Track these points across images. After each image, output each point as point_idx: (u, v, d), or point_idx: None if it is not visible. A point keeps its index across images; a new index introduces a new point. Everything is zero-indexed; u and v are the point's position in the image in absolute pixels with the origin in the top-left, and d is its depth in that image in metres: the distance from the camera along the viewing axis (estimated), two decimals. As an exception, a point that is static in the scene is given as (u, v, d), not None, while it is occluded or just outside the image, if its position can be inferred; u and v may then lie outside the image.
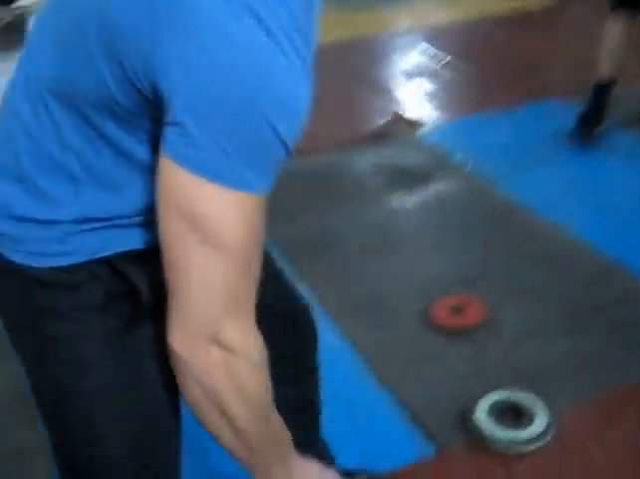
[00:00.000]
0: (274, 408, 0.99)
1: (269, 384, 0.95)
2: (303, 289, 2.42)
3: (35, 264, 0.93)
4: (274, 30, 0.77)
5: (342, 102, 4.04)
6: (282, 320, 1.33)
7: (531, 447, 1.82)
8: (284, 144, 0.80)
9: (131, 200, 0.90)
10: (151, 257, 0.92)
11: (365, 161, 3.37)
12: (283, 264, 2.51)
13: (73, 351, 0.97)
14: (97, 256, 0.94)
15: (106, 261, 0.95)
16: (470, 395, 1.95)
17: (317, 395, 1.58)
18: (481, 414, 1.88)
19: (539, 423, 1.85)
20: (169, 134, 0.78)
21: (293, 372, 1.41)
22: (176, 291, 0.83)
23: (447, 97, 4.02)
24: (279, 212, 2.98)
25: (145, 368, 1.00)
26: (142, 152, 0.86)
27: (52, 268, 0.93)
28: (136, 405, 1.00)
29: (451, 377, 2.07)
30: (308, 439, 1.57)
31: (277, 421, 1.01)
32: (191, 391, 0.89)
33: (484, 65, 4.28)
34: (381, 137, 3.56)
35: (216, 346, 0.85)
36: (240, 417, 0.92)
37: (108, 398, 0.99)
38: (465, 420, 1.90)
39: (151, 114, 0.81)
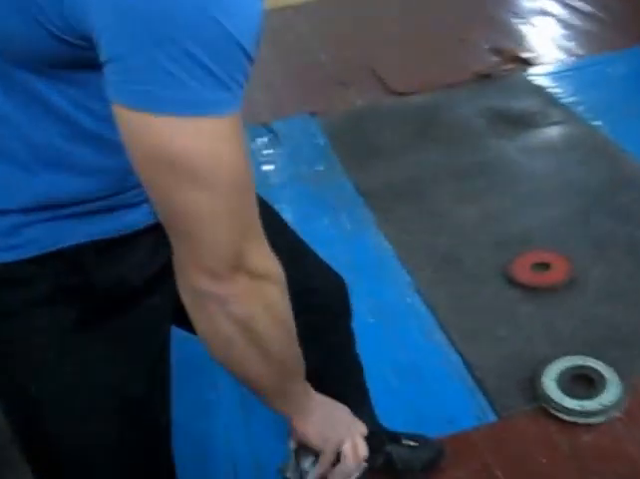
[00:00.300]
0: (296, 338, 0.95)
1: (291, 315, 0.92)
2: (380, 237, 2.40)
3: None
4: None
5: (450, 39, 3.88)
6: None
7: (600, 419, 1.72)
8: (241, 47, 0.70)
9: (88, 181, 0.85)
10: (112, 247, 0.89)
11: (469, 102, 3.22)
12: (363, 209, 2.51)
13: (27, 351, 0.94)
14: (50, 249, 0.88)
15: (59, 253, 0.89)
16: (540, 359, 1.86)
17: (353, 362, 1.53)
18: (550, 381, 1.78)
19: (610, 394, 1.74)
20: (109, 75, 0.69)
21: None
22: (184, 237, 0.77)
23: (560, 37, 3.76)
24: (373, 151, 2.94)
25: (96, 370, 0.97)
26: (89, 120, 0.80)
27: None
28: (91, 406, 0.97)
29: (522, 339, 1.97)
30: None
31: (300, 346, 0.97)
32: (223, 329, 0.84)
33: (602, 5, 3.98)
34: (488, 77, 3.40)
35: (243, 274, 0.80)
36: (274, 342, 0.89)
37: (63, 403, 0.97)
38: (532, 386, 1.80)
39: (87, 65, 0.74)
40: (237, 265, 0.80)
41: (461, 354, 1.96)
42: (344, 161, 2.91)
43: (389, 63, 3.67)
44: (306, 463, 1.07)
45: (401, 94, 3.34)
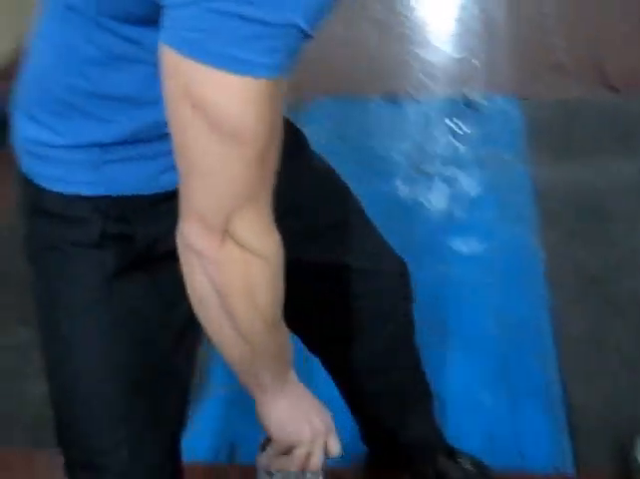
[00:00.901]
0: (283, 320, 0.92)
1: (281, 292, 0.87)
2: (536, 242, 2.23)
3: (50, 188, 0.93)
4: None
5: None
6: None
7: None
8: (294, 19, 0.69)
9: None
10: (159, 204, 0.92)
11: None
12: (531, 208, 2.35)
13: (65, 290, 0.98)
14: (117, 193, 0.93)
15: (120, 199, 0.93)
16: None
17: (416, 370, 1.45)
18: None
19: None
20: (165, 19, 0.72)
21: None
22: (188, 179, 0.78)
23: None
24: (566, 149, 2.72)
25: (127, 320, 0.99)
26: None
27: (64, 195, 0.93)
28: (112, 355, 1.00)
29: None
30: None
31: (283, 335, 0.94)
32: (199, 285, 0.84)
33: None
34: None
35: (231, 241, 0.79)
36: (245, 320, 0.86)
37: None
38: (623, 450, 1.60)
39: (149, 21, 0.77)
40: (226, 230, 0.78)
41: (565, 389, 1.79)
42: (533, 153, 2.72)
43: (615, 56, 3.34)
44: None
45: (619, 91, 3.03)
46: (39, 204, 0.96)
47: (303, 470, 1.01)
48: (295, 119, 3.07)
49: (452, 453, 1.57)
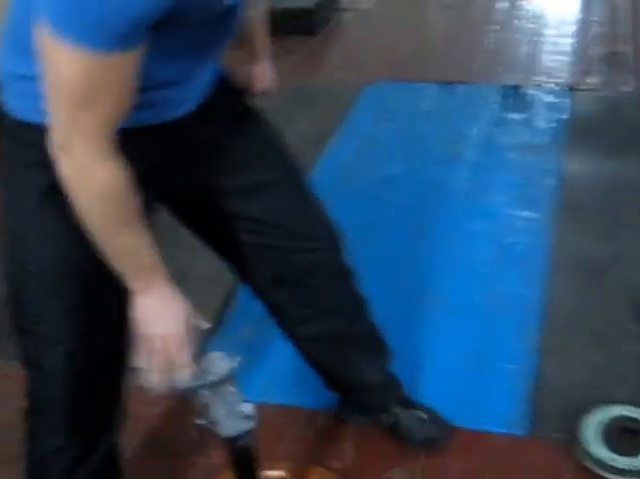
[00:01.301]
0: (128, 229, 1.10)
1: (118, 203, 1.07)
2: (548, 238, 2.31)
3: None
4: None
5: None
6: None
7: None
8: (101, 21, 0.92)
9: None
10: None
11: None
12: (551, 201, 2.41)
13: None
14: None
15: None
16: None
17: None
18: (592, 429, 1.67)
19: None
20: None
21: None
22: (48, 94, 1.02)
23: None
24: (606, 146, 2.74)
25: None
26: None
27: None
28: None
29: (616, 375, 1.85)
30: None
31: (133, 239, 1.11)
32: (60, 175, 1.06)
33: None
34: None
35: (69, 159, 1.03)
36: (83, 218, 1.08)
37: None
38: (575, 427, 1.70)
39: None
40: (65, 147, 1.02)
41: (537, 361, 1.90)
42: (571, 144, 2.79)
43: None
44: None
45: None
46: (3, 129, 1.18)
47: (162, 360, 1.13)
48: (350, 98, 3.29)
49: (407, 403, 1.71)
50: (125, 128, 1.06)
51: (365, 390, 1.70)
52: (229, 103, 1.37)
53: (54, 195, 1.12)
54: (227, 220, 1.41)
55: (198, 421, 1.20)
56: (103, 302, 1.24)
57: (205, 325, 1.20)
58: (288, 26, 4.01)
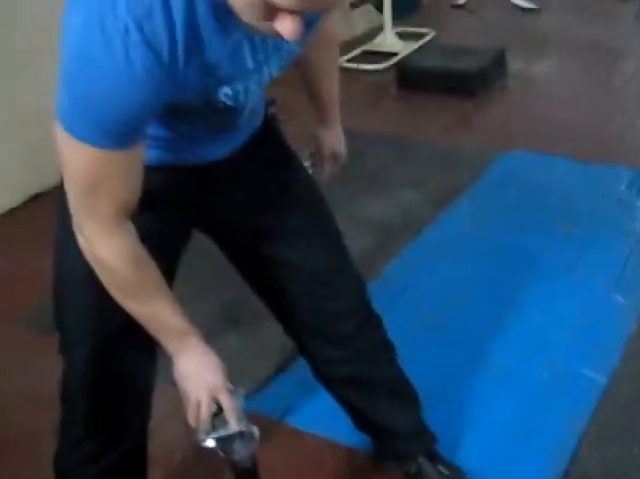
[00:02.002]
0: (147, 297, 1.25)
1: (132, 275, 1.21)
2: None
3: None
4: (119, 44, 0.98)
5: None
6: None
7: None
8: (95, 123, 1.05)
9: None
10: None
11: None
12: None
13: None
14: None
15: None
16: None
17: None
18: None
19: None
20: None
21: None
22: None
23: None
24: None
25: None
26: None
27: None
28: None
29: None
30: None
31: (157, 307, 1.25)
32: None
33: None
34: None
35: (81, 236, 1.20)
36: (109, 290, 1.24)
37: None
38: None
39: None
40: (77, 225, 1.20)
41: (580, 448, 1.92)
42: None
43: None
44: None
45: None
46: None
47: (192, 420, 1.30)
48: (484, 163, 3.41)
49: (433, 456, 1.81)
50: (157, 165, 1.25)
51: (390, 436, 1.81)
52: (268, 150, 1.50)
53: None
54: (256, 259, 1.57)
55: (210, 447, 1.34)
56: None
57: (241, 391, 1.36)
58: (448, 86, 4.17)
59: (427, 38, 5.10)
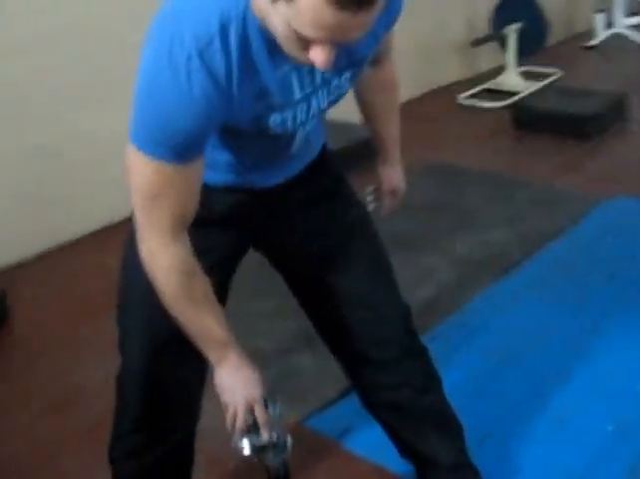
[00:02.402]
0: (197, 309, 1.36)
1: (184, 286, 1.33)
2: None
3: None
4: (184, 69, 1.13)
5: None
6: None
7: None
8: (161, 139, 1.20)
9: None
10: None
11: None
12: None
13: None
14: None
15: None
16: None
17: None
18: None
19: None
20: None
21: None
22: None
23: None
24: None
25: None
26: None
27: None
28: None
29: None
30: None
31: (204, 317, 1.37)
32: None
33: None
34: None
35: (143, 244, 1.31)
36: (161, 297, 1.35)
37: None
38: None
39: None
40: (141, 234, 1.32)
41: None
42: None
43: None
44: None
45: None
46: None
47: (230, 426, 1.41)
48: (588, 208, 3.38)
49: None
50: (223, 187, 1.38)
51: (431, 467, 1.82)
52: (324, 180, 1.61)
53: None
54: (307, 282, 1.67)
55: (245, 454, 1.45)
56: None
57: (278, 404, 1.46)
58: (563, 129, 4.12)
59: (551, 78, 5.04)
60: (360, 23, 1.03)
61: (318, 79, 1.29)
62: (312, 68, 1.20)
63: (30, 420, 2.32)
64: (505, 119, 4.43)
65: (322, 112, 1.40)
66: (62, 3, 3.13)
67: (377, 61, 1.58)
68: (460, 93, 4.94)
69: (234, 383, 1.43)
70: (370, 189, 1.85)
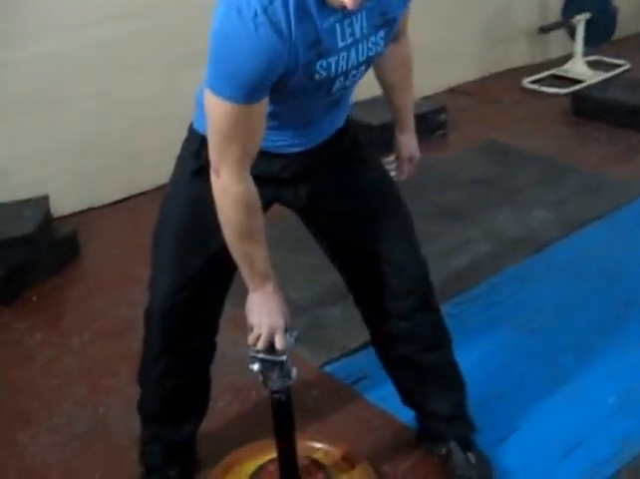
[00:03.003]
0: (252, 240, 1.56)
1: (247, 219, 1.53)
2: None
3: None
4: (251, 23, 1.34)
5: None
6: None
7: None
8: (235, 82, 1.40)
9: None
10: None
11: None
12: None
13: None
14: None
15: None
16: None
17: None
18: None
19: None
20: None
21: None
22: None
23: None
24: None
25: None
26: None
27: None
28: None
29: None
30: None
31: (255, 249, 1.57)
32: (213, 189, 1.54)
33: None
34: None
35: (218, 176, 1.51)
36: (224, 226, 1.56)
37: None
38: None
39: None
40: (217, 170, 1.52)
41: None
42: None
43: None
44: None
45: None
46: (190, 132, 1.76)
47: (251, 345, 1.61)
48: (632, 196, 3.34)
49: (465, 444, 1.95)
50: (266, 150, 1.58)
51: (429, 416, 1.97)
52: (349, 147, 1.79)
53: (198, 175, 1.67)
54: (333, 237, 1.84)
55: (255, 369, 1.64)
56: (201, 263, 1.72)
57: (294, 334, 1.66)
58: (623, 119, 4.17)
59: (618, 70, 5.04)
60: None
61: (357, 33, 1.50)
62: (351, 22, 1.47)
63: (85, 341, 2.60)
64: (567, 105, 4.47)
65: (360, 65, 1.56)
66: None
67: (395, 38, 1.72)
68: (526, 77, 4.99)
69: (263, 309, 1.61)
70: (390, 158, 2.01)
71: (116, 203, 3.56)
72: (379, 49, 1.57)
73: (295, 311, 2.57)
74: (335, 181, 1.77)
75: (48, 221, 3.07)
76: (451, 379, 1.95)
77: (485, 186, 3.62)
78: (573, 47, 5.01)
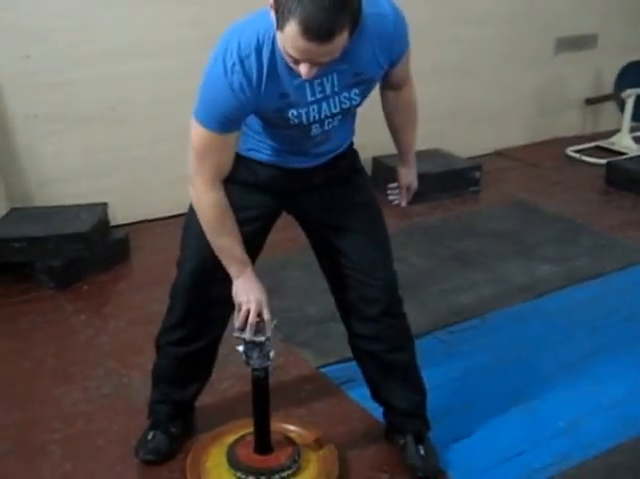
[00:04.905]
0: (225, 236, 1.94)
1: (217, 219, 1.92)
2: None
3: None
4: (229, 70, 1.69)
5: None
6: None
7: None
8: (210, 114, 1.78)
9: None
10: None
11: None
12: None
13: None
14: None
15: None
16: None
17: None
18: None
19: None
20: None
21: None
22: None
23: None
24: None
25: None
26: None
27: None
28: None
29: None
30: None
31: (229, 242, 1.95)
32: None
33: None
34: None
35: (193, 188, 1.90)
36: (202, 225, 1.95)
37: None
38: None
39: None
40: (192, 182, 1.90)
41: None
42: None
43: None
44: None
45: None
46: None
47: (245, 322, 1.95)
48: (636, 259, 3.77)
49: (419, 438, 2.25)
50: (267, 163, 1.98)
51: (392, 411, 2.29)
52: (343, 170, 2.10)
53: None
54: (322, 244, 2.17)
55: (239, 350, 1.99)
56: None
57: (269, 317, 1.98)
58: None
59: (661, 147, 5.26)
60: (327, 51, 1.57)
61: (328, 90, 1.80)
62: (322, 81, 1.76)
63: (120, 326, 3.10)
64: (602, 175, 4.75)
65: (335, 115, 1.89)
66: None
67: (398, 86, 2.07)
68: (571, 146, 5.28)
69: (247, 288, 1.97)
70: (392, 185, 2.37)
71: (169, 217, 4.03)
72: (354, 103, 1.86)
73: (308, 322, 3.11)
74: (328, 197, 2.09)
75: (103, 224, 3.61)
76: (412, 380, 2.25)
77: (502, 238, 3.94)
78: (622, 120, 5.27)
